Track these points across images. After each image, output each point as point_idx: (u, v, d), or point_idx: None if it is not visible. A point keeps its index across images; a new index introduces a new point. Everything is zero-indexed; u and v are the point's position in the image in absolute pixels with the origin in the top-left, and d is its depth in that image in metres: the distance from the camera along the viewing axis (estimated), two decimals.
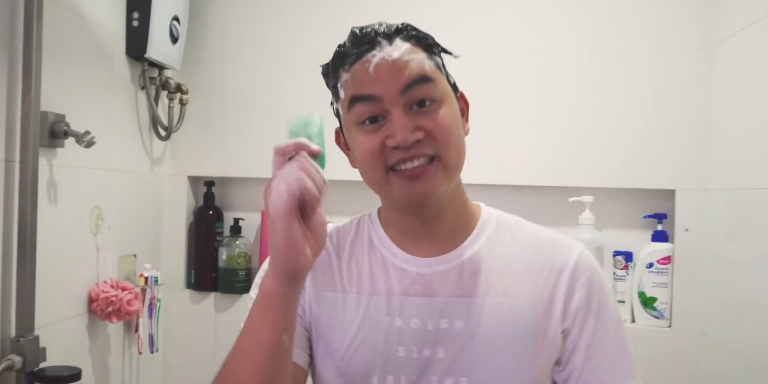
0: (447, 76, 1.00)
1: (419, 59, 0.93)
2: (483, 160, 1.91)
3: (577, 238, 1.78)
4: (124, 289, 1.80)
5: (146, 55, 1.89)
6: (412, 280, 0.99)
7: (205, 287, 2.18)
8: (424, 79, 0.92)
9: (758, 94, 1.59)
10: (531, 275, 0.99)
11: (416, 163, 0.91)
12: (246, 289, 2.13)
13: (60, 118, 1.59)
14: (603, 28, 1.91)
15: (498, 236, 1.03)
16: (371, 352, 0.98)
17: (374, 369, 0.97)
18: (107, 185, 1.83)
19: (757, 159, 1.57)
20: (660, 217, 1.89)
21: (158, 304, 1.97)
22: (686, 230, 1.84)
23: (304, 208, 0.80)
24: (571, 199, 1.91)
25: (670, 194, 1.88)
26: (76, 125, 1.61)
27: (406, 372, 0.96)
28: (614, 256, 1.92)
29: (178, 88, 2.08)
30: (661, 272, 1.86)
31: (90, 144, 1.59)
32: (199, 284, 2.19)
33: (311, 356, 1.03)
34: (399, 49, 0.93)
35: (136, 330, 1.94)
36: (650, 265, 1.87)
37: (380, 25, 0.96)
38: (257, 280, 1.05)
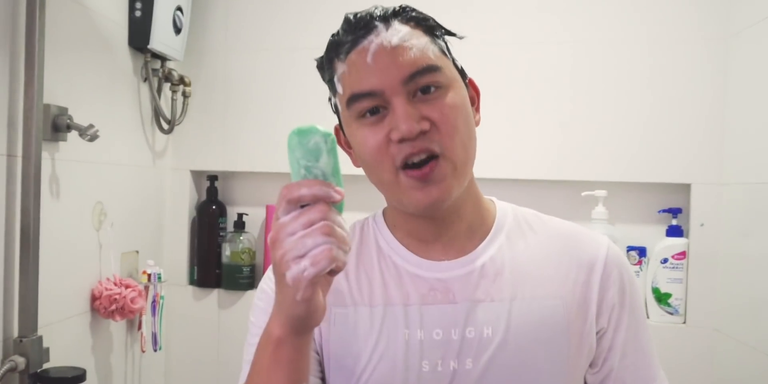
0: (453, 60, 0.91)
1: (422, 45, 0.84)
2: (494, 153, 1.87)
3: None
4: (127, 286, 1.74)
5: (149, 46, 1.83)
6: (430, 287, 0.91)
7: (208, 284, 2.13)
8: (429, 68, 0.83)
9: None
10: (559, 273, 0.92)
11: (423, 156, 0.81)
12: (250, 285, 2.09)
13: (62, 111, 1.53)
14: (618, 21, 1.87)
15: (518, 233, 0.96)
16: (392, 369, 0.88)
17: None
18: (109, 180, 1.78)
19: None
20: (675, 212, 1.85)
21: (161, 301, 1.92)
22: (702, 225, 1.81)
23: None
24: (584, 194, 1.87)
25: (685, 188, 1.85)
26: (79, 118, 1.56)
27: None
28: (628, 251, 1.89)
29: (181, 80, 2.02)
30: (676, 268, 1.83)
31: (94, 138, 1.53)
32: (202, 281, 2.14)
33: (323, 379, 0.94)
34: (398, 33, 0.84)
35: (139, 328, 1.89)
36: (665, 261, 1.84)
37: (375, 8, 0.87)
38: (261, 295, 0.95)
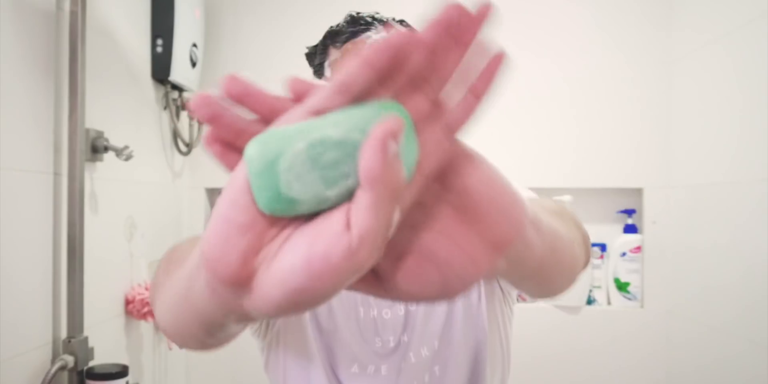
0: None
1: None
2: None
3: None
4: None
5: (169, 78, 1.79)
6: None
7: None
8: None
9: (711, 102, 1.60)
10: None
11: None
12: None
13: (100, 134, 1.48)
14: (576, 45, 1.89)
15: None
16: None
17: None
18: (137, 196, 1.73)
19: (713, 159, 1.58)
20: (630, 212, 1.87)
21: None
22: (654, 223, 1.83)
23: None
24: (552, 199, 1.88)
25: (638, 192, 1.87)
26: (111, 141, 1.51)
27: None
28: (592, 247, 1.89)
29: None
30: (633, 260, 1.85)
31: (129, 157, 1.49)
32: None
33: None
34: None
35: None
36: (623, 254, 1.85)
37: (377, 13, 0.86)
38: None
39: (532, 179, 1.89)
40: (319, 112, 0.30)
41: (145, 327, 1.76)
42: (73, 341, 1.34)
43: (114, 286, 1.61)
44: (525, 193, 0.82)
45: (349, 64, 0.30)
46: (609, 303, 1.88)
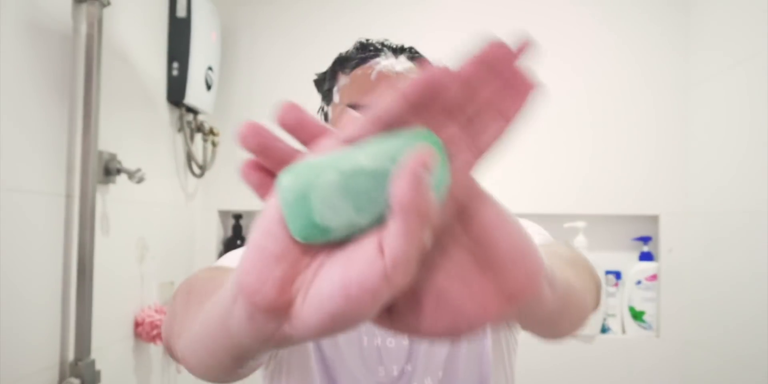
0: None
1: None
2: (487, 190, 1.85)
3: None
4: (165, 313, 1.68)
5: (184, 101, 1.80)
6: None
7: None
8: None
9: (729, 129, 1.58)
10: None
11: None
12: None
13: (112, 156, 1.49)
14: (593, 69, 1.88)
15: None
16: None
17: None
18: (149, 218, 1.73)
19: (731, 185, 1.56)
20: (646, 240, 1.84)
21: None
22: (670, 250, 1.80)
23: None
24: (566, 225, 1.86)
25: (654, 219, 1.84)
26: (125, 163, 1.52)
27: None
28: (606, 274, 1.86)
29: (211, 131, 1.99)
30: (649, 288, 1.81)
31: (141, 180, 1.49)
32: None
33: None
34: (403, 64, 0.81)
35: None
36: (638, 283, 1.82)
37: (386, 40, 0.86)
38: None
39: (547, 205, 1.87)
40: (352, 142, 0.31)
41: (154, 350, 1.75)
42: (80, 364, 1.33)
43: (124, 307, 1.60)
44: (540, 235, 0.81)
45: (385, 96, 0.31)
46: (624, 332, 1.85)
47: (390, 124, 0.31)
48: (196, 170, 1.98)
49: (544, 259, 0.36)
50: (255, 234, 0.32)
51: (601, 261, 1.86)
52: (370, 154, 0.30)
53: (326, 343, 0.85)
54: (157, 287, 1.75)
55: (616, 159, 1.85)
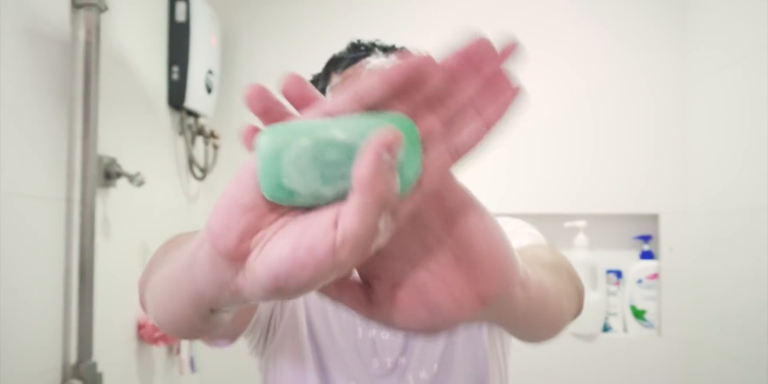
0: None
1: None
2: (486, 190, 1.85)
3: (573, 259, 1.73)
4: None
5: (185, 105, 1.82)
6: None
7: None
8: None
9: (729, 127, 1.57)
10: None
11: None
12: None
13: (112, 160, 1.50)
14: (591, 69, 1.88)
15: None
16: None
17: None
18: (150, 221, 1.74)
19: (731, 183, 1.55)
20: (646, 238, 1.84)
21: None
22: (671, 249, 1.79)
23: None
24: (566, 224, 1.85)
25: (654, 218, 1.84)
26: (125, 167, 1.54)
27: None
28: (607, 273, 1.86)
29: (212, 134, 2.00)
30: (650, 287, 1.81)
31: (141, 183, 1.50)
32: None
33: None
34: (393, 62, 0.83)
35: (178, 352, 1.83)
36: (639, 281, 1.81)
37: (377, 40, 0.87)
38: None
39: (548, 204, 1.87)
40: (332, 115, 0.32)
41: (157, 352, 1.76)
42: (82, 366, 1.34)
43: (126, 310, 1.61)
44: (531, 236, 0.81)
45: (369, 77, 0.32)
46: (625, 330, 1.84)
47: (370, 105, 0.32)
48: (198, 173, 1.99)
49: (519, 264, 0.38)
50: (231, 184, 0.33)
51: (602, 260, 1.86)
52: (343, 128, 0.31)
53: (321, 333, 0.85)
54: None
55: (616, 158, 1.85)
